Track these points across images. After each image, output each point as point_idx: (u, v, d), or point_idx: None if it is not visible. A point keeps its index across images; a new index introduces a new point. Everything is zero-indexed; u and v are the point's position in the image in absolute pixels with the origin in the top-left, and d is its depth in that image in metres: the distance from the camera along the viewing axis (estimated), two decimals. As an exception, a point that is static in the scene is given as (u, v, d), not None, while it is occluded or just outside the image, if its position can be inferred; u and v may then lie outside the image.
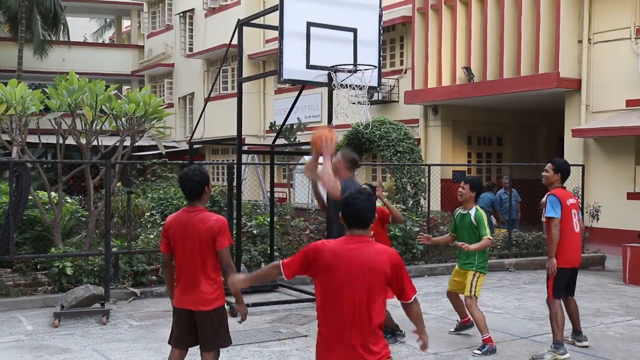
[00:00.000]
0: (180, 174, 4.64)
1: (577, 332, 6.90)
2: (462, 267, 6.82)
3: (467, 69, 16.68)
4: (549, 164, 6.67)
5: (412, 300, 3.63)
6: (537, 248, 12.72)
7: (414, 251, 11.56)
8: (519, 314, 8.39)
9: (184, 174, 4.52)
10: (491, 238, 6.63)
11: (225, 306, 4.62)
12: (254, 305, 8.27)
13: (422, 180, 14.51)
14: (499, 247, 12.60)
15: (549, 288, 6.49)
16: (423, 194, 14.35)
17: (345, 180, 6.00)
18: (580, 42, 14.88)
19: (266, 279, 4.01)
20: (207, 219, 4.45)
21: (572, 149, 14.97)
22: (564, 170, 6.61)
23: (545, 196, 6.61)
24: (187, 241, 4.46)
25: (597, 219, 13.17)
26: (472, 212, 6.69)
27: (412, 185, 14.61)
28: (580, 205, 10.13)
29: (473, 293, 6.63)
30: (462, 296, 6.91)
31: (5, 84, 9.56)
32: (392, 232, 11.26)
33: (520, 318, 8.18)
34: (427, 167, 13.13)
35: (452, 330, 7.30)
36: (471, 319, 6.97)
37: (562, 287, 6.55)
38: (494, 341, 6.57)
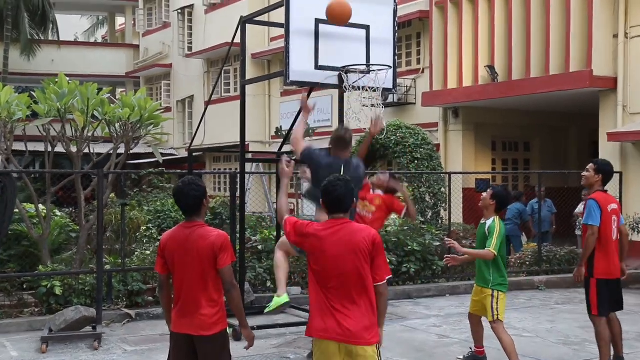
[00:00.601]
0: (174, 188, 4.62)
1: (618, 358, 6.80)
2: (476, 283, 6.81)
3: (491, 67, 16.61)
4: (590, 164, 6.76)
5: (384, 281, 4.23)
6: (570, 264, 12.59)
7: (434, 268, 11.48)
8: (551, 338, 8.29)
9: (178, 189, 4.50)
10: (493, 252, 6.47)
11: (228, 330, 4.57)
12: (260, 327, 8.21)
13: (442, 189, 14.43)
14: (527, 263, 12.49)
15: (592, 302, 6.50)
16: (443, 205, 14.28)
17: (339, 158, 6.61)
18: (615, 36, 14.77)
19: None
20: (207, 234, 4.43)
21: (608, 154, 14.82)
22: (606, 172, 6.69)
23: (581, 205, 6.64)
24: (186, 259, 4.43)
25: (638, 232, 13.03)
26: (489, 222, 6.66)
27: (432, 195, 14.54)
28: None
29: (496, 317, 6.55)
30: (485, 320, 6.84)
31: (-10, 88, 9.60)
32: (410, 247, 11.19)
33: (552, 342, 8.09)
34: (447, 175, 13.08)
35: (461, 357, 7.20)
36: (485, 352, 6.97)
37: (606, 300, 6.54)
38: None
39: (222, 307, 4.50)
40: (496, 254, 6.48)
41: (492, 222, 6.62)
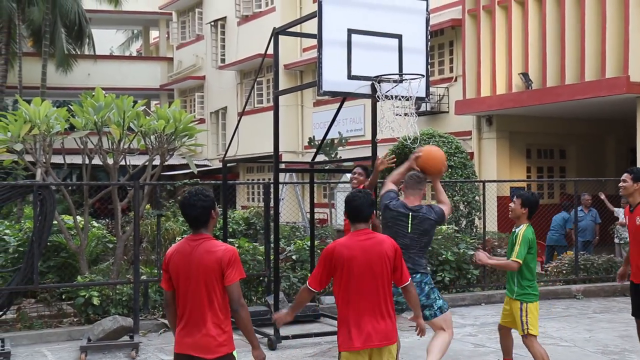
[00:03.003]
0: (181, 199, 4.37)
1: None
2: (506, 292, 6.63)
3: (525, 74, 16.49)
4: (625, 174, 6.74)
5: (409, 282, 4.72)
6: (608, 273, 12.41)
7: (469, 277, 11.41)
8: (589, 347, 8.18)
9: (185, 199, 4.25)
10: (517, 261, 6.27)
11: (234, 352, 4.24)
12: (294, 337, 8.26)
13: (477, 198, 14.33)
14: (564, 271, 12.34)
15: None
16: (478, 214, 14.17)
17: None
18: (652, 42, 14.58)
19: (303, 304, 4.87)
20: (213, 248, 4.16)
21: (646, 162, 14.63)
22: None
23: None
24: (190, 275, 4.16)
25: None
26: (519, 229, 6.44)
27: (466, 203, 14.44)
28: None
29: (527, 331, 6.34)
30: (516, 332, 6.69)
31: (29, 102, 9.82)
32: (444, 256, 11.14)
33: (591, 352, 7.98)
34: (481, 183, 13.00)
35: None
36: None
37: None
38: None
39: (230, 329, 4.22)
40: (520, 262, 6.28)
41: (522, 229, 6.39)
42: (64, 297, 9.52)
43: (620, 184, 6.78)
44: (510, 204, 6.67)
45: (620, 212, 13.73)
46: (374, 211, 4.78)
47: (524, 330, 6.36)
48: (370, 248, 4.53)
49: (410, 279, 4.74)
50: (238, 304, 4.14)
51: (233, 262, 4.14)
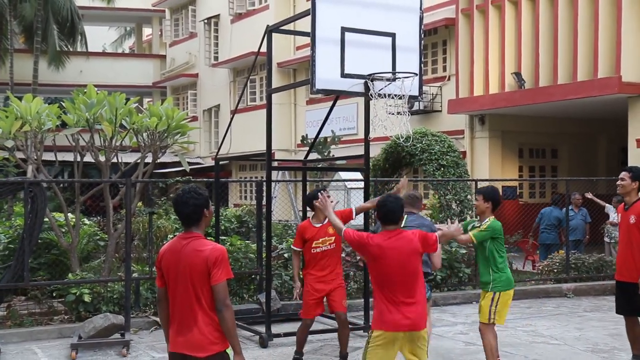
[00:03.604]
0: (174, 197, 4.34)
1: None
2: (481, 287, 6.65)
3: (517, 74, 16.53)
4: (624, 172, 6.82)
5: (439, 248, 5.49)
6: (598, 271, 12.46)
7: (461, 275, 11.44)
8: (579, 346, 8.21)
9: (178, 197, 4.22)
10: (472, 238, 6.32)
11: (227, 350, 4.17)
12: (286, 335, 8.25)
13: (469, 197, 14.36)
14: (555, 270, 12.39)
15: None
16: (470, 212, 14.20)
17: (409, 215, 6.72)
18: (644, 42, 14.64)
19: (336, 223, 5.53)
20: (200, 247, 4.11)
21: (637, 161, 14.62)
22: None
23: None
24: (178, 274, 4.13)
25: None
26: (484, 222, 6.46)
27: (458, 202, 14.47)
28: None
29: (492, 320, 6.39)
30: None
31: (20, 99, 9.78)
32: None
33: (581, 350, 8.02)
34: (473, 182, 13.01)
35: None
36: None
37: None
38: None
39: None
40: (474, 241, 6.35)
41: (489, 221, 6.43)
42: (54, 294, 9.49)
43: (618, 182, 6.82)
44: (474, 201, 6.68)
45: (610, 209, 13.79)
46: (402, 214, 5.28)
47: (490, 320, 6.38)
48: (402, 246, 5.06)
49: (438, 242, 5.29)
50: (222, 305, 4.05)
51: (220, 262, 4.07)
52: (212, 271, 4.05)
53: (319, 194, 6.26)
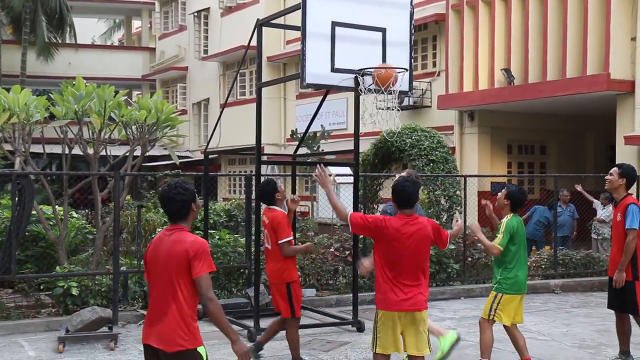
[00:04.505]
0: (160, 192, 4.25)
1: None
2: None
3: (507, 70, 16.57)
4: (613, 168, 6.85)
5: (449, 242, 5.52)
6: (586, 268, 12.53)
7: (449, 271, 11.47)
8: (566, 341, 8.26)
9: (164, 193, 4.13)
10: (497, 247, 6.30)
11: (199, 349, 4.00)
12: (274, 329, 8.23)
13: (458, 192, 14.39)
14: (543, 266, 12.44)
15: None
16: (458, 208, 14.23)
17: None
18: (633, 39, 14.69)
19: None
20: (182, 239, 4.02)
21: (625, 158, 14.73)
22: (630, 177, 6.80)
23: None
24: (158, 265, 4.06)
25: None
26: (504, 220, 6.50)
27: (447, 198, 14.50)
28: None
29: (491, 317, 6.41)
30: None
31: (8, 90, 9.72)
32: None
33: (568, 346, 8.06)
34: (463, 178, 13.05)
35: None
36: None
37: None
38: None
39: (194, 323, 4.02)
40: (500, 249, 6.31)
41: (507, 219, 6.46)
42: (42, 287, 9.45)
43: (607, 177, 6.85)
44: (498, 194, 6.70)
45: (598, 205, 13.86)
46: (418, 198, 5.37)
47: (490, 316, 6.41)
48: (418, 231, 5.20)
49: (448, 238, 5.44)
50: (206, 298, 3.93)
51: (200, 254, 3.96)
52: (193, 264, 3.95)
53: (318, 166, 5.61)
